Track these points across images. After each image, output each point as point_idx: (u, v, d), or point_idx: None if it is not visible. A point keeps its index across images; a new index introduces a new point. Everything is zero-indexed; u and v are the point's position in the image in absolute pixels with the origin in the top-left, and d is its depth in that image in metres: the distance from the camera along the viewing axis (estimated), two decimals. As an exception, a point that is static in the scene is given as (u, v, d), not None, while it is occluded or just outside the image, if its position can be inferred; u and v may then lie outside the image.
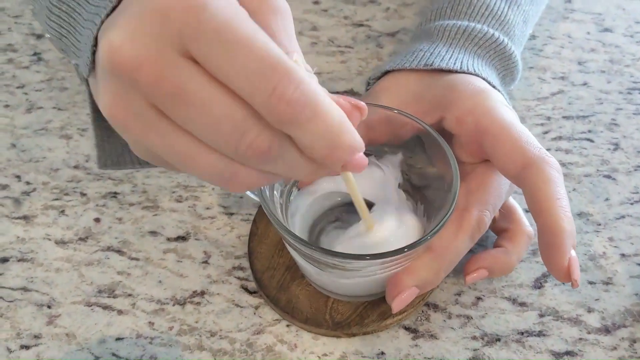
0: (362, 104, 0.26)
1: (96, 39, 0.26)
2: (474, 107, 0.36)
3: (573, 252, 0.32)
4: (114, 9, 0.26)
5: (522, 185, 0.33)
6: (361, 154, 0.26)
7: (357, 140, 0.25)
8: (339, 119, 0.24)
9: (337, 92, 0.51)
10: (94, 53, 0.26)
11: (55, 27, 0.31)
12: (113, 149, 0.33)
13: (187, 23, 0.22)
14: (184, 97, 0.22)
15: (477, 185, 0.36)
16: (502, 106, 0.36)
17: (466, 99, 0.36)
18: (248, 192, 0.39)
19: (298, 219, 0.38)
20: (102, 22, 0.26)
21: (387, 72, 0.41)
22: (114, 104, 0.24)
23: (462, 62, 0.39)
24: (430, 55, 0.40)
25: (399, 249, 0.31)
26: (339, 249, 0.36)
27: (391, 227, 0.36)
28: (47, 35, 0.32)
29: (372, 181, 0.40)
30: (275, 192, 0.37)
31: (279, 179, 0.27)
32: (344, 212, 0.39)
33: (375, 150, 0.40)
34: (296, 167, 0.25)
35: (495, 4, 0.43)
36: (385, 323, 0.37)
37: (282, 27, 0.25)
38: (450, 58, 0.39)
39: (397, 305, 0.34)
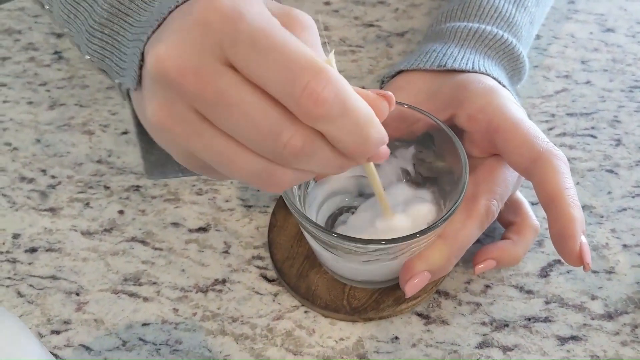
0: (389, 93, 0.28)
1: (142, 54, 0.28)
2: (485, 104, 0.37)
3: (583, 238, 0.33)
4: (159, 26, 0.28)
5: (531, 177, 0.35)
6: (384, 146, 0.28)
7: (383, 133, 0.27)
8: (367, 114, 0.26)
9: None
10: (140, 68, 0.28)
11: (97, 50, 0.33)
12: (157, 159, 0.35)
13: (226, 33, 0.24)
14: (224, 102, 0.24)
15: (485, 177, 0.38)
16: (511, 103, 0.38)
17: (477, 97, 0.38)
18: None
19: (315, 209, 0.40)
20: (148, 39, 0.28)
21: (400, 72, 0.43)
22: (161, 111, 0.26)
23: (473, 62, 0.41)
24: (443, 56, 0.42)
25: (412, 234, 0.33)
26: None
27: (404, 217, 0.38)
28: (87, 57, 0.34)
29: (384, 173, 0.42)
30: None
31: (311, 176, 0.29)
32: (360, 202, 0.41)
33: (388, 144, 0.42)
34: (328, 162, 0.27)
35: (503, 6, 0.45)
36: (400, 308, 0.39)
37: (308, 38, 0.27)
38: (462, 59, 0.41)
39: (409, 289, 0.36)
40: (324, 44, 0.57)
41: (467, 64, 0.41)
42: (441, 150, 0.39)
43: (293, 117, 0.25)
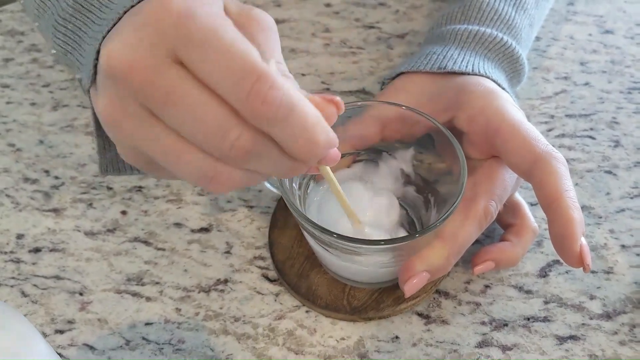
0: (337, 98, 0.28)
1: (98, 52, 0.29)
2: (485, 106, 0.38)
3: (583, 239, 0.34)
4: (114, 25, 0.28)
5: (531, 179, 0.36)
6: (334, 149, 0.28)
7: (331, 136, 0.27)
8: (313, 116, 0.26)
9: (350, 92, 0.54)
10: (95, 66, 0.29)
11: (61, 45, 0.33)
12: (113, 156, 0.35)
13: (176, 31, 0.24)
14: (172, 99, 0.25)
15: (483, 178, 0.38)
16: (511, 106, 0.38)
17: (477, 99, 0.38)
18: (268, 185, 0.41)
19: (315, 209, 0.41)
20: (104, 37, 0.28)
21: (401, 73, 0.44)
22: (110, 106, 0.26)
23: (473, 64, 0.41)
24: (444, 58, 0.42)
25: (410, 234, 0.34)
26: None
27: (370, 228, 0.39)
28: (53, 52, 0.34)
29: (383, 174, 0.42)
30: (294, 184, 0.39)
31: (260, 178, 0.29)
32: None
33: (387, 146, 0.42)
34: (277, 165, 0.27)
35: (503, 9, 0.45)
36: (400, 307, 0.39)
37: (265, 39, 0.27)
38: (462, 61, 0.42)
39: (409, 289, 0.37)
40: (325, 45, 0.58)
41: (466, 66, 0.41)
42: (440, 152, 0.39)
43: (241, 118, 0.25)
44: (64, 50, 0.33)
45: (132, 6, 0.28)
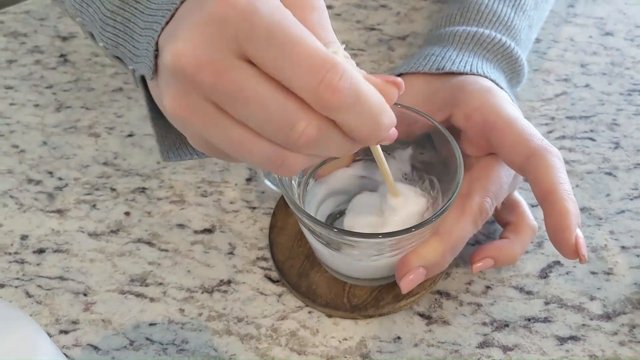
0: (398, 79, 0.29)
1: (157, 44, 0.29)
2: (482, 104, 0.38)
3: (579, 231, 0.34)
4: (172, 16, 0.28)
5: (527, 174, 0.36)
6: (393, 128, 0.29)
7: (392, 117, 0.28)
8: (378, 101, 0.27)
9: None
10: (155, 57, 0.29)
11: (111, 37, 0.34)
12: (172, 142, 0.36)
13: (241, 27, 0.25)
14: (240, 94, 0.25)
15: (479, 175, 0.39)
16: (507, 103, 0.38)
17: (474, 97, 0.39)
18: (268, 183, 0.42)
19: (314, 207, 0.41)
20: (162, 29, 0.29)
21: (400, 74, 0.44)
22: (177, 102, 0.27)
23: (471, 65, 0.42)
24: (442, 59, 0.42)
25: (408, 228, 0.34)
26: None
27: (403, 211, 0.39)
28: (101, 44, 0.35)
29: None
30: (293, 182, 0.40)
31: (322, 159, 0.30)
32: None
33: (386, 145, 0.42)
34: (339, 147, 0.28)
35: (502, 10, 0.45)
36: (399, 305, 0.40)
37: (318, 21, 0.28)
38: (460, 62, 0.42)
39: (405, 285, 0.37)
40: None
41: (465, 67, 0.41)
42: (437, 149, 0.39)
43: (307, 107, 0.26)
44: (114, 43, 0.34)
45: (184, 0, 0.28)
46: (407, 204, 0.38)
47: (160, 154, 0.36)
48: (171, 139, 0.36)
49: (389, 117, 0.28)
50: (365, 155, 0.43)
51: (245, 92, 0.25)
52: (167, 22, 0.29)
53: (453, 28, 0.45)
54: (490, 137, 0.38)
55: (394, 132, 0.30)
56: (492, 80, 0.41)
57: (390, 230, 0.35)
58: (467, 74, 0.41)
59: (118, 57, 0.34)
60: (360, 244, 0.36)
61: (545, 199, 0.35)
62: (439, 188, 0.40)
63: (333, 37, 0.28)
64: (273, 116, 0.26)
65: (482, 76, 0.41)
